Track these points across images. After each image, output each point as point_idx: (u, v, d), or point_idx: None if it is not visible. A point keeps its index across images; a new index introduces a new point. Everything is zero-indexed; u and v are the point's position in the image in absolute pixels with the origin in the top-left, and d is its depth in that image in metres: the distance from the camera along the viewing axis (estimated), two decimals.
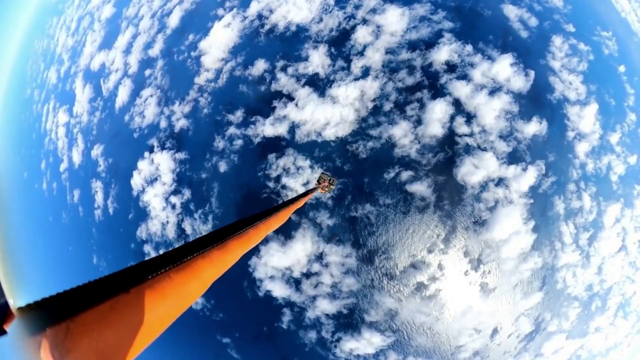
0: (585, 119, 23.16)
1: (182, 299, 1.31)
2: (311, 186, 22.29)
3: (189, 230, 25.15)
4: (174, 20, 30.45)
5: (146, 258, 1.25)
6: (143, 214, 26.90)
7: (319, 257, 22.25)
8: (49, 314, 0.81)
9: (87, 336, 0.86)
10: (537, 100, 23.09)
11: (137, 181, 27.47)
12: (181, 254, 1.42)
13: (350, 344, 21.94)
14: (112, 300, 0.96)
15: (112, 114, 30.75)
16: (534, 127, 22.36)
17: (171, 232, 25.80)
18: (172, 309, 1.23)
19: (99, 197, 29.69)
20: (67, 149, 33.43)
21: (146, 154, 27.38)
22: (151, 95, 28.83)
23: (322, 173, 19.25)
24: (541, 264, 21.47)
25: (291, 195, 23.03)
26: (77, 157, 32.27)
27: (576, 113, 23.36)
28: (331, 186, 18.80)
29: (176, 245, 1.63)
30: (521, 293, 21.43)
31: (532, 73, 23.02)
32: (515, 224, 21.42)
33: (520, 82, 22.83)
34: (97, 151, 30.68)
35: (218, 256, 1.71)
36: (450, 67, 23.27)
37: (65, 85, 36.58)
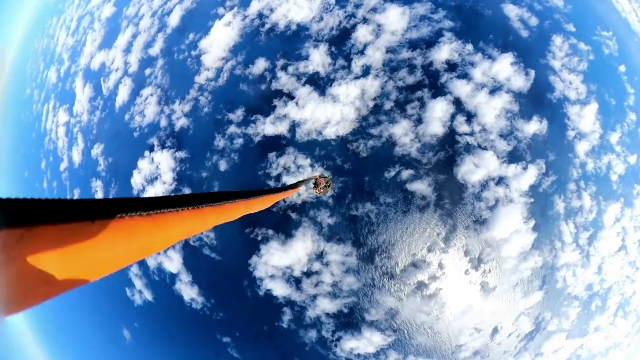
0: (585, 119, 23.08)
1: (143, 247, 1.27)
2: (311, 183, 22.22)
3: None
4: (174, 19, 30.41)
5: (121, 197, 1.21)
6: None
7: (320, 255, 22.20)
8: (7, 215, 0.75)
9: (39, 250, 0.81)
10: (538, 100, 23.04)
11: (137, 180, 27.51)
12: (155, 204, 1.36)
13: (350, 343, 21.90)
14: (75, 224, 0.90)
15: (112, 113, 30.72)
16: (534, 126, 22.30)
17: None
18: (130, 253, 1.20)
19: (99, 196, 29.19)
20: (67, 148, 33.41)
21: (146, 152, 27.42)
22: (151, 94, 28.80)
23: (321, 175, 19.10)
24: (541, 263, 21.42)
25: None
26: (77, 157, 32.29)
27: (576, 112, 23.28)
28: (327, 188, 18.58)
29: (154, 195, 1.60)
30: (521, 292, 21.38)
31: (532, 72, 22.95)
32: (516, 223, 21.36)
33: (521, 82, 22.79)
34: (97, 150, 30.66)
35: (190, 218, 1.66)
36: (451, 66, 23.23)
37: (65, 85, 36.55)
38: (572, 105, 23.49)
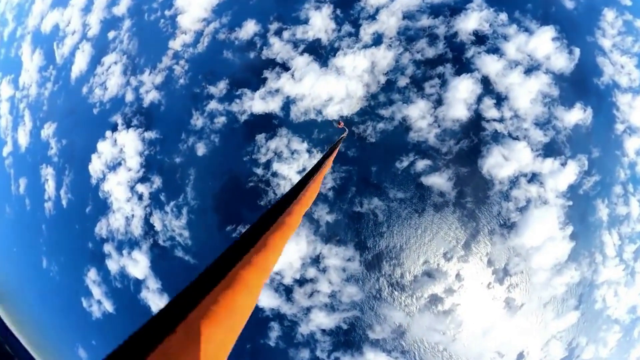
0: (637, 110, 20.68)
1: (236, 319, 1.24)
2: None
3: (158, 226, 22.61)
4: None
5: (184, 287, 1.12)
6: (103, 207, 24.38)
7: (316, 260, 20.38)
8: None
9: None
10: (582, 84, 20.67)
11: (96, 167, 24.86)
12: (219, 270, 1.30)
13: None
14: (160, 348, 0.89)
15: (67, 85, 27.87)
16: (576, 116, 19.88)
17: (137, 229, 23.21)
18: (229, 333, 1.16)
19: (50, 187, 26.82)
20: (11, 128, 30.22)
21: (108, 133, 24.72)
22: (115, 63, 25.99)
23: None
24: (578, 278, 19.32)
25: (285, 183, 20.61)
26: (23, 139, 29.18)
27: (627, 102, 20.83)
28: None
29: (208, 264, 1.33)
30: (553, 312, 19.30)
31: (577, 51, 20.44)
32: (550, 229, 19.08)
33: (563, 61, 20.24)
34: (48, 131, 27.68)
35: (259, 258, 1.55)
36: (479, 39, 20.69)
37: (9, 51, 32.85)
38: (623, 94, 20.95)
